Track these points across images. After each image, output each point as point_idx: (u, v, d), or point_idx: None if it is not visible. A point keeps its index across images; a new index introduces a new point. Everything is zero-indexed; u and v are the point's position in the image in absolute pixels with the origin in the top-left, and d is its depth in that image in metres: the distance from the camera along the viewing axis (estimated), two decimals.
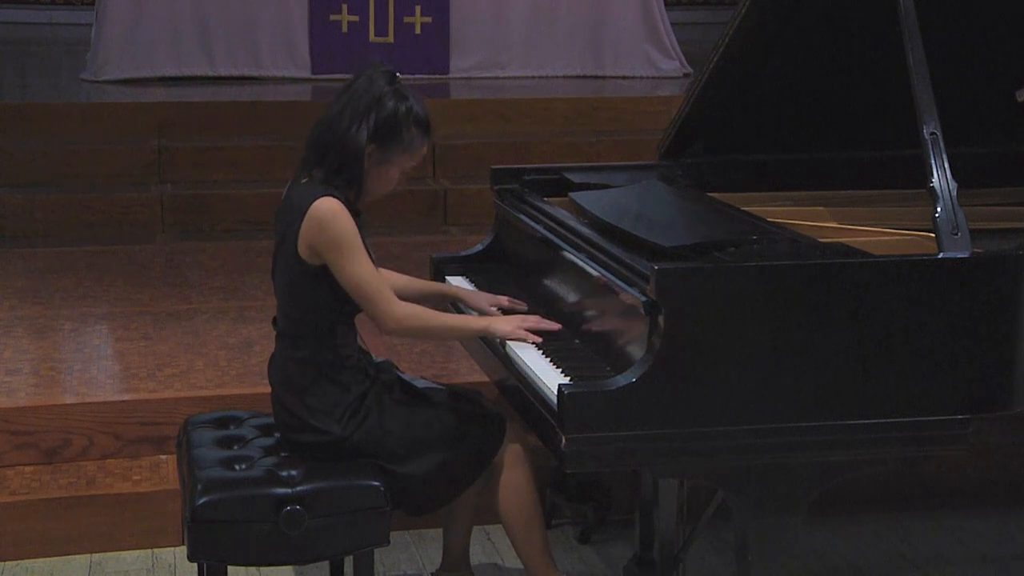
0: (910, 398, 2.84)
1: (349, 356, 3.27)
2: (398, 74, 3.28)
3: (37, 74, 9.44)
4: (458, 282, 3.78)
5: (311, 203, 3.15)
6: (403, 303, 3.23)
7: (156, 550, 4.07)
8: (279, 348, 3.32)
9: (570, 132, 7.66)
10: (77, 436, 4.26)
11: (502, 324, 3.26)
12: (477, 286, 3.72)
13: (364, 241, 3.20)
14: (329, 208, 3.14)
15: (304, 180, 3.24)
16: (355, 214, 3.20)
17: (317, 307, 3.22)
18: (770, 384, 2.77)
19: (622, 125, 7.77)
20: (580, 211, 3.50)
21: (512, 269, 3.79)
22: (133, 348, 4.83)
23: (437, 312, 3.39)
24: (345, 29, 8.55)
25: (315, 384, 3.23)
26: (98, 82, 8.24)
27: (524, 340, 3.20)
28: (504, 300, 3.47)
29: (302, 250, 3.17)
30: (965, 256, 2.88)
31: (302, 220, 3.15)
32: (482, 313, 3.44)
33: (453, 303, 3.59)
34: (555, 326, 3.24)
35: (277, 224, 3.28)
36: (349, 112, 3.18)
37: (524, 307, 3.45)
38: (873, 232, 3.33)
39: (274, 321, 3.36)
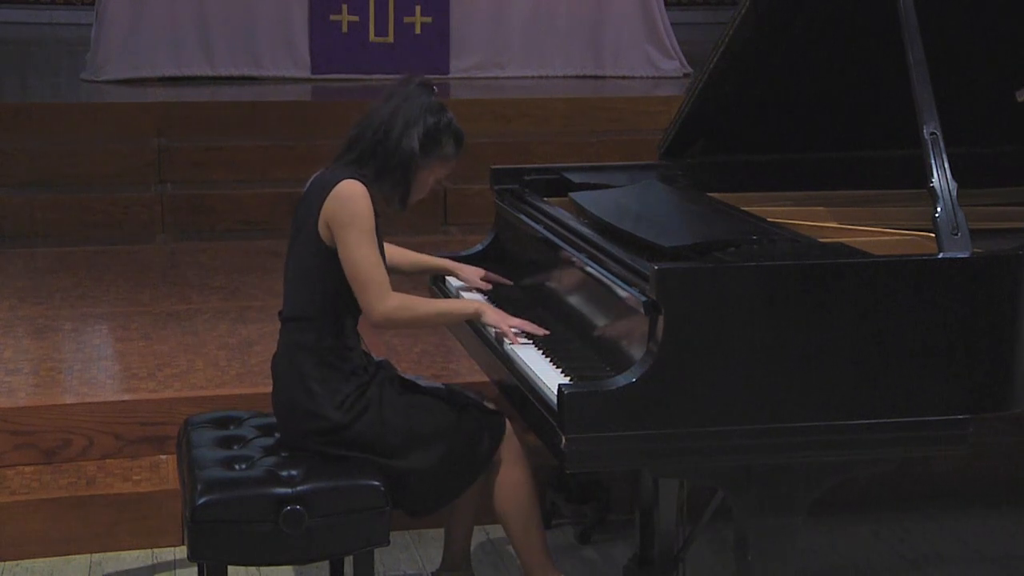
0: (910, 398, 2.84)
1: (352, 348, 3.29)
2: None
3: (37, 74, 9.44)
4: (458, 282, 3.78)
5: (339, 181, 3.22)
6: (394, 295, 3.24)
7: (156, 550, 4.07)
8: (284, 336, 3.33)
9: (570, 132, 7.66)
10: (77, 436, 4.26)
11: (492, 313, 3.31)
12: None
13: (379, 235, 3.25)
14: (353, 188, 3.21)
15: (335, 169, 3.28)
16: (375, 215, 3.25)
17: (328, 292, 3.25)
18: (770, 384, 2.77)
19: (622, 125, 7.77)
20: (580, 211, 3.50)
21: (512, 269, 3.79)
22: (133, 348, 4.83)
23: (426, 300, 3.45)
24: (345, 29, 8.55)
25: (317, 369, 3.25)
26: (98, 82, 8.24)
27: (506, 335, 3.23)
28: (493, 276, 3.63)
29: (321, 228, 3.22)
30: (965, 256, 2.88)
31: (326, 196, 3.21)
32: (472, 286, 3.65)
33: (443, 276, 3.75)
34: (538, 331, 3.24)
35: (299, 209, 3.32)
36: (402, 118, 3.28)
37: (509, 283, 3.59)
38: (873, 232, 3.33)
39: (280, 313, 3.36)
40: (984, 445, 4.45)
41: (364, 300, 3.22)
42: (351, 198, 3.20)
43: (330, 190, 3.22)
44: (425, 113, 3.30)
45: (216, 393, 4.35)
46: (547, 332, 3.24)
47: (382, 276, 3.22)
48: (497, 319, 3.29)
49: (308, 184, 3.35)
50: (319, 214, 3.22)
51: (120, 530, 4.06)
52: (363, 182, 3.23)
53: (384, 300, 3.21)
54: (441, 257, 3.80)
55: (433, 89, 3.37)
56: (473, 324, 3.48)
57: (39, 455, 4.23)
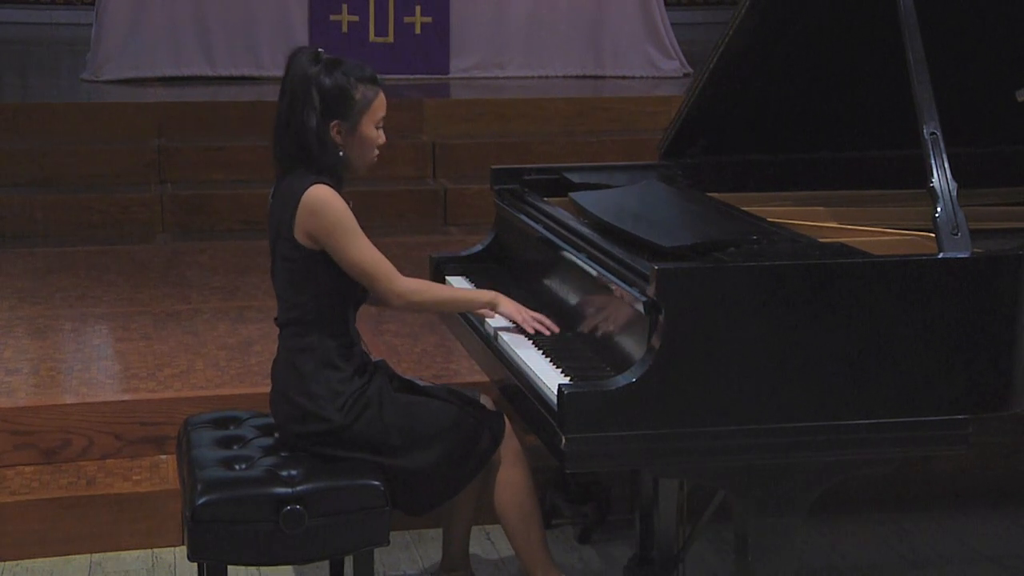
0: (910, 398, 2.84)
1: (355, 344, 3.29)
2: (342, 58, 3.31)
3: (37, 74, 9.44)
4: (458, 282, 3.78)
5: (303, 192, 3.18)
6: (407, 279, 3.26)
7: (156, 550, 4.07)
8: (283, 342, 3.33)
9: (570, 132, 7.65)
10: (77, 436, 4.26)
11: (507, 303, 3.31)
12: (477, 286, 3.72)
13: None
14: (321, 195, 3.17)
15: (288, 176, 3.26)
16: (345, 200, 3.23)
17: (322, 293, 3.24)
18: (770, 384, 2.77)
19: (622, 125, 7.77)
20: (580, 211, 3.50)
21: (512, 269, 3.79)
22: (133, 348, 4.83)
23: (442, 285, 3.42)
24: (345, 29, 8.55)
25: (318, 371, 3.24)
26: (98, 82, 8.25)
27: (522, 325, 3.24)
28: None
29: (300, 237, 3.19)
30: (965, 256, 2.88)
31: (296, 209, 3.18)
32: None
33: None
34: (554, 329, 3.25)
35: (270, 220, 3.29)
36: (299, 103, 3.22)
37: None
38: (873, 232, 3.33)
39: (276, 320, 3.36)
40: (984, 445, 4.45)
41: (379, 290, 3.23)
42: (323, 204, 3.16)
43: (296, 201, 3.17)
44: (317, 81, 3.21)
45: (216, 393, 4.35)
46: (558, 330, 3.25)
47: (386, 263, 3.23)
48: (512, 310, 3.29)
49: (271, 193, 3.31)
50: (293, 225, 3.18)
51: (120, 530, 4.06)
52: (322, 181, 3.19)
53: (398, 283, 3.23)
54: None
55: (318, 52, 3.26)
56: (473, 323, 3.48)
57: (39, 455, 4.23)
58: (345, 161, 3.26)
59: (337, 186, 3.22)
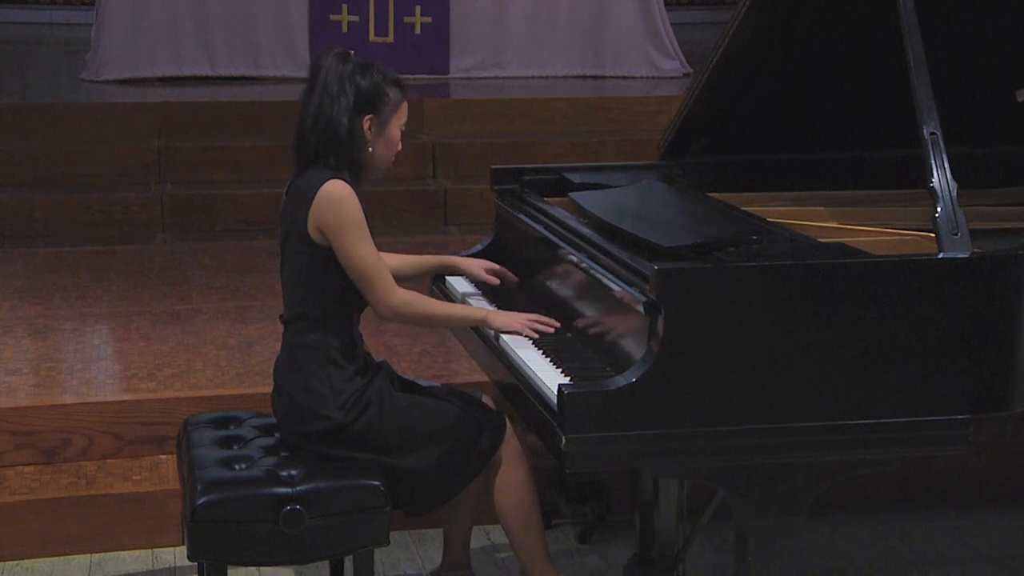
0: (910, 398, 2.84)
1: (358, 346, 3.29)
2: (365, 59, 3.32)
3: (37, 74, 9.45)
4: (457, 282, 3.78)
5: (320, 186, 3.19)
6: (402, 290, 3.26)
7: (156, 550, 4.07)
8: (287, 339, 3.33)
9: (570, 132, 7.66)
10: (77, 436, 4.26)
11: (500, 316, 3.30)
12: (476, 286, 3.72)
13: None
14: (338, 190, 3.19)
15: (308, 171, 3.27)
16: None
17: (329, 290, 3.24)
18: (770, 384, 2.77)
19: (622, 125, 7.78)
20: (580, 211, 3.50)
21: (512, 269, 3.78)
22: (133, 348, 4.83)
23: (435, 300, 3.43)
24: (345, 29, 8.55)
25: (321, 369, 3.24)
26: (98, 82, 8.25)
27: (519, 333, 3.22)
28: (496, 267, 3.57)
29: (312, 232, 3.20)
30: (965, 256, 2.88)
31: (311, 202, 3.19)
32: (477, 279, 3.60)
33: (449, 272, 3.71)
34: (554, 324, 3.25)
35: (284, 214, 3.31)
36: (328, 101, 3.23)
37: (516, 279, 3.56)
38: (873, 232, 3.33)
39: (281, 317, 3.36)
40: (984, 445, 4.45)
41: (372, 296, 3.23)
42: (338, 201, 3.18)
43: (312, 195, 3.19)
44: (350, 81, 3.23)
45: (216, 393, 4.35)
46: (559, 324, 3.24)
47: (385, 271, 3.23)
48: (506, 321, 3.26)
49: (285, 191, 3.33)
50: (307, 219, 3.20)
51: (120, 530, 4.06)
52: (341, 178, 3.21)
53: (392, 295, 3.22)
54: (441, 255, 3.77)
55: (348, 54, 3.29)
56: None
57: (39, 455, 4.23)
58: (370, 156, 3.28)
59: (354, 185, 3.23)
